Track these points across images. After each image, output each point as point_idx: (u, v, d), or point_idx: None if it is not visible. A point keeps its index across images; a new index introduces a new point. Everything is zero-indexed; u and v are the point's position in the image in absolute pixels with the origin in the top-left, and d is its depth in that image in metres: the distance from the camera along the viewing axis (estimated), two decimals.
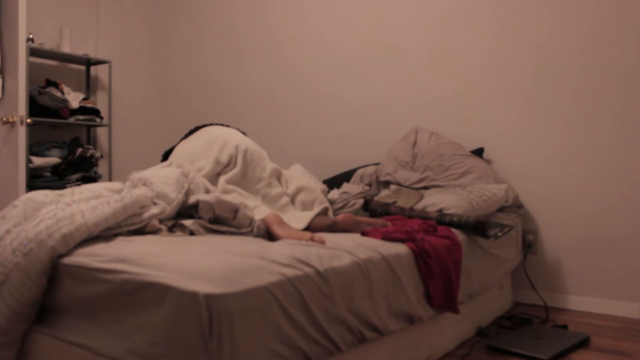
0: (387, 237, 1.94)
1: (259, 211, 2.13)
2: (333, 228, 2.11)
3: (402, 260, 1.85)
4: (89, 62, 4.12)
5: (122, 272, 1.36)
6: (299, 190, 2.45)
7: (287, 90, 3.98)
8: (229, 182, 2.30)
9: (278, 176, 2.47)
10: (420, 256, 1.93)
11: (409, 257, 1.90)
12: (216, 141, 2.40)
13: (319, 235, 1.78)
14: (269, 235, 1.94)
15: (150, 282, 1.29)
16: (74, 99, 3.84)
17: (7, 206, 1.75)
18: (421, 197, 2.73)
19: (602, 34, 2.85)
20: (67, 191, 1.81)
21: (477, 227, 2.30)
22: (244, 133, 2.62)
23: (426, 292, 1.95)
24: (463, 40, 3.26)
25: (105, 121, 4.02)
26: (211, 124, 2.61)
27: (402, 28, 3.47)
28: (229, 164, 2.34)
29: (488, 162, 3.16)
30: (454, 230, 2.26)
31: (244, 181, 2.35)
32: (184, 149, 2.43)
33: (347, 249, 1.69)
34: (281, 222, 1.94)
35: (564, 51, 2.96)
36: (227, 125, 2.63)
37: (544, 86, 3.02)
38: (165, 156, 2.54)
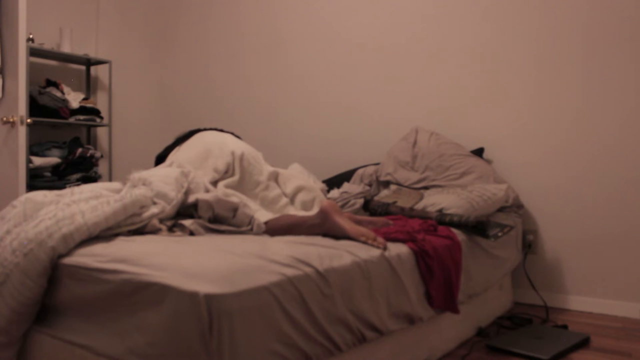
0: (388, 237, 1.94)
1: (259, 215, 2.13)
2: None
3: (403, 260, 1.85)
4: (89, 62, 4.12)
5: (122, 272, 1.36)
6: (298, 190, 2.44)
7: (287, 90, 3.98)
8: (227, 187, 2.30)
9: (275, 177, 2.47)
10: (421, 256, 1.93)
11: (410, 257, 1.90)
12: (211, 150, 2.38)
13: (382, 239, 1.79)
14: (322, 224, 1.88)
15: (150, 282, 1.29)
16: (74, 99, 3.84)
17: (7, 206, 1.75)
18: (421, 197, 2.73)
19: (602, 34, 2.85)
20: (66, 191, 1.81)
21: (477, 227, 2.30)
22: (238, 137, 2.61)
23: (426, 292, 1.95)
24: (463, 40, 3.26)
25: (105, 121, 4.02)
26: (205, 129, 2.60)
27: (402, 28, 3.47)
28: (227, 171, 2.34)
29: (488, 162, 3.16)
30: (454, 230, 2.26)
31: (242, 186, 2.34)
32: (178, 158, 2.41)
33: (348, 248, 1.69)
34: (339, 211, 1.90)
35: (564, 51, 2.96)
36: (222, 130, 2.62)
37: (545, 86, 3.02)
38: (158, 160, 2.53)
